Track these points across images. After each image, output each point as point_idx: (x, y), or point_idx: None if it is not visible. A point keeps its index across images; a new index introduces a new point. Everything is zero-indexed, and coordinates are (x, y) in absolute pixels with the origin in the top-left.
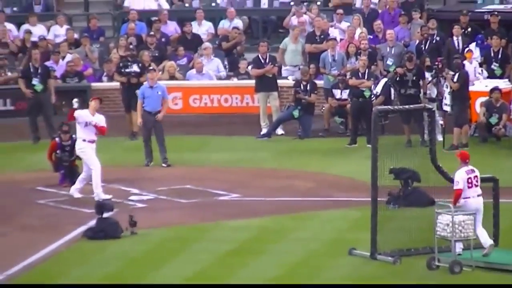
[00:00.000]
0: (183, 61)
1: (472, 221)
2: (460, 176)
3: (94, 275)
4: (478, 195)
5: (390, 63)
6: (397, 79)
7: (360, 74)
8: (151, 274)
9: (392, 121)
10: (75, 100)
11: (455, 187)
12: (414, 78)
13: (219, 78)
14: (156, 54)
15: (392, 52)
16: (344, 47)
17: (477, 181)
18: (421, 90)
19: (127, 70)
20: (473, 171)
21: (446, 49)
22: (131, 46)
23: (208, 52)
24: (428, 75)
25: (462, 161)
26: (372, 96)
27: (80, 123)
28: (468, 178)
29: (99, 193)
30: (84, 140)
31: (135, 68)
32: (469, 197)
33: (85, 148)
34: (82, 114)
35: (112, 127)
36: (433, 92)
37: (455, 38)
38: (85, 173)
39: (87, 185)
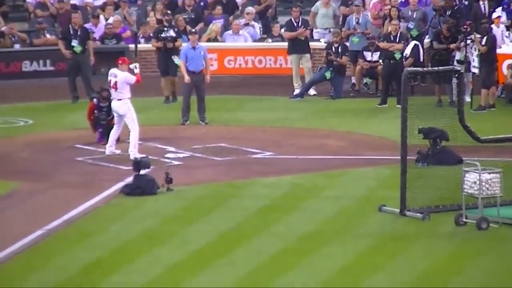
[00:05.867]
0: (220, 22)
1: (499, 179)
2: None
3: (131, 230)
4: None
5: (412, 27)
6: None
7: (392, 37)
8: (186, 230)
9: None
10: (133, 65)
11: None
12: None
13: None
14: (193, 16)
15: (414, 16)
16: (375, 8)
17: None
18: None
19: (163, 35)
20: None
21: (473, 13)
22: (167, 11)
23: (250, 17)
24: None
25: None
26: (403, 58)
27: (130, 81)
28: None
29: (135, 153)
30: (129, 99)
31: (171, 33)
32: None
33: (132, 108)
34: (127, 74)
35: (149, 87)
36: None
37: (481, 2)
38: (116, 130)
39: (124, 143)
